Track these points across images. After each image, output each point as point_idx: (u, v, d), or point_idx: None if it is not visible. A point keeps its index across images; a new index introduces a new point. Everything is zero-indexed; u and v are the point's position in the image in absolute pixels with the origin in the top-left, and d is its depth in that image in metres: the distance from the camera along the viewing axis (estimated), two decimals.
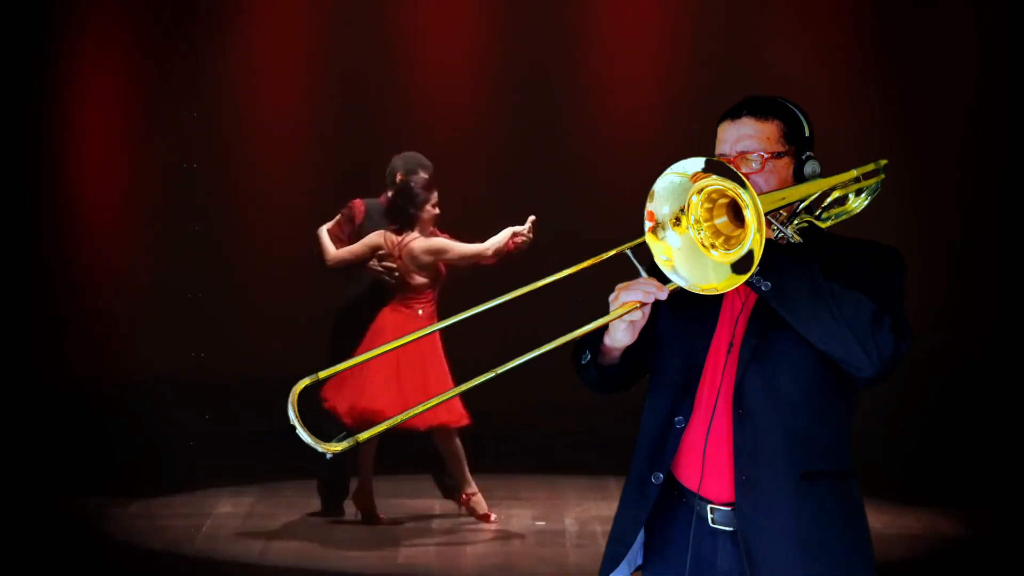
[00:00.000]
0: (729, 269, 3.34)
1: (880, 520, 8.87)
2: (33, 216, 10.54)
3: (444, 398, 3.63)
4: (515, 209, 10.60)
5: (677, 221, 3.40)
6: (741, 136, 3.55)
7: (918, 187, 10.41)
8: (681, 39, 10.83)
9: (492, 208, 10.68)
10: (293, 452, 10.04)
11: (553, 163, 10.75)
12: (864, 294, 3.42)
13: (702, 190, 3.36)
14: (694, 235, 3.39)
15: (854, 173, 3.70)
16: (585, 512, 9.18)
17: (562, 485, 9.83)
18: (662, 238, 3.41)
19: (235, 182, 10.89)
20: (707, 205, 3.38)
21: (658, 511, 3.60)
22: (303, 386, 3.38)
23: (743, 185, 3.29)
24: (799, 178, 3.58)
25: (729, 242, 3.36)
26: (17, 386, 10.12)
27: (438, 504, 9.31)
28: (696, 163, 3.37)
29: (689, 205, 3.38)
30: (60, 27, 10.48)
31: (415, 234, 8.68)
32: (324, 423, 8.28)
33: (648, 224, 3.42)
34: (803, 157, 3.57)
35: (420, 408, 3.51)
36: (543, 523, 8.97)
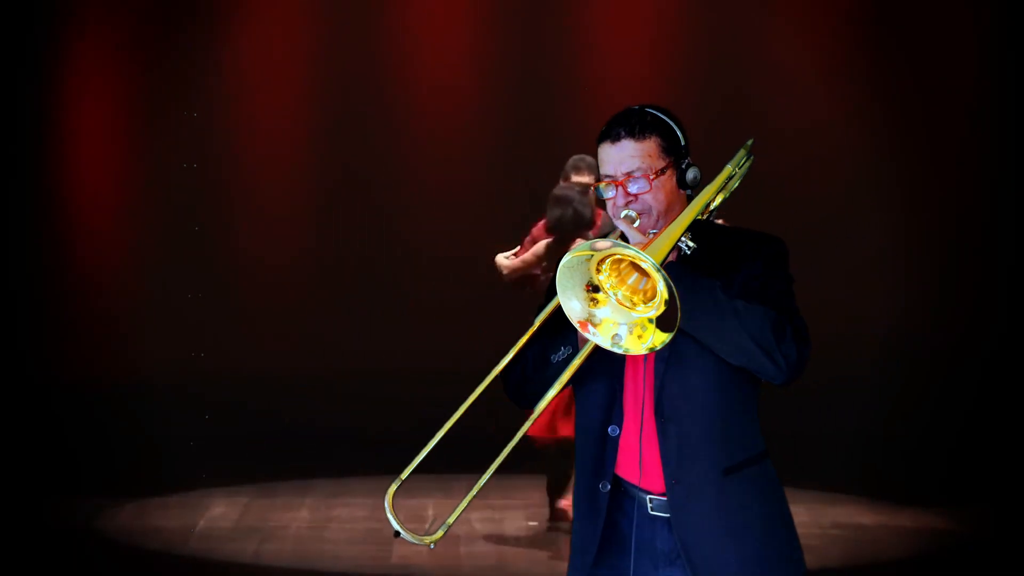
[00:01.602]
0: (655, 325, 3.46)
1: (880, 519, 8.88)
2: (33, 217, 10.54)
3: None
4: (509, 208, 10.62)
5: (594, 301, 3.50)
6: (623, 158, 3.66)
7: (918, 187, 10.41)
8: (675, 37, 10.83)
9: (487, 207, 10.69)
10: (291, 452, 10.06)
11: (548, 162, 10.73)
12: (762, 297, 3.58)
13: (601, 261, 3.46)
14: (615, 299, 3.50)
15: (729, 169, 3.79)
16: None
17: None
18: (598, 323, 3.51)
19: (235, 182, 10.89)
20: (613, 271, 3.49)
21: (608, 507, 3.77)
22: (393, 490, 3.72)
23: (625, 245, 3.41)
24: (683, 185, 3.70)
25: (646, 295, 3.48)
26: (16, 386, 10.12)
27: (431, 503, 9.31)
28: (574, 254, 3.45)
29: (598, 281, 3.49)
30: (59, 27, 10.48)
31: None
32: None
33: (586, 331, 3.51)
34: (683, 166, 3.70)
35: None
36: (536, 523, 8.98)
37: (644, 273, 3.46)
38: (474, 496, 3.75)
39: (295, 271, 10.60)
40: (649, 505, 3.70)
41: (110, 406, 10.18)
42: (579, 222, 8.39)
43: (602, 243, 3.44)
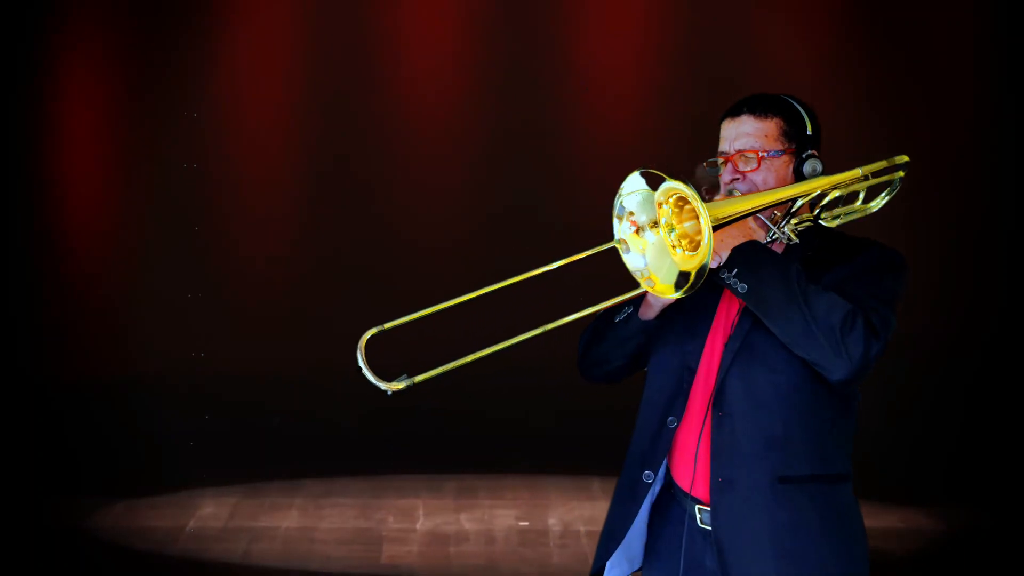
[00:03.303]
0: (676, 276, 3.41)
1: (879, 519, 8.86)
2: (32, 216, 10.51)
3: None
4: (498, 205, 10.63)
5: (654, 224, 3.44)
6: (740, 134, 3.57)
7: (916, 185, 10.39)
8: (666, 34, 10.82)
9: (476, 205, 10.69)
10: (288, 451, 10.05)
11: (536, 159, 10.75)
12: (846, 295, 3.43)
13: (669, 196, 3.40)
14: (664, 236, 3.42)
15: (858, 172, 3.68)
16: (569, 512, 9.17)
17: (546, 485, 9.83)
18: (642, 236, 3.45)
19: (235, 182, 10.85)
20: (676, 210, 3.41)
21: (658, 511, 3.64)
22: (370, 335, 3.60)
23: (691, 189, 3.34)
24: (799, 177, 3.58)
25: (692, 244, 3.39)
26: (15, 386, 10.10)
27: (421, 503, 9.32)
28: (639, 177, 3.44)
29: (660, 211, 3.42)
30: (58, 27, 10.45)
31: None
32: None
33: (631, 228, 3.46)
34: (803, 156, 3.57)
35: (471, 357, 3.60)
36: (527, 523, 8.97)
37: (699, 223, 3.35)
38: (455, 367, 3.58)
39: (296, 272, 10.60)
40: (699, 517, 3.55)
41: (109, 405, 10.16)
42: None
43: (674, 182, 3.36)
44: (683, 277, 3.38)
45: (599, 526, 9.12)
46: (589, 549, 8.39)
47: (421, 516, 9.12)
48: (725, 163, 3.58)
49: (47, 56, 10.45)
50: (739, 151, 3.56)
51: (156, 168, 10.66)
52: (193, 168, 10.65)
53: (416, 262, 10.70)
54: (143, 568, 8.17)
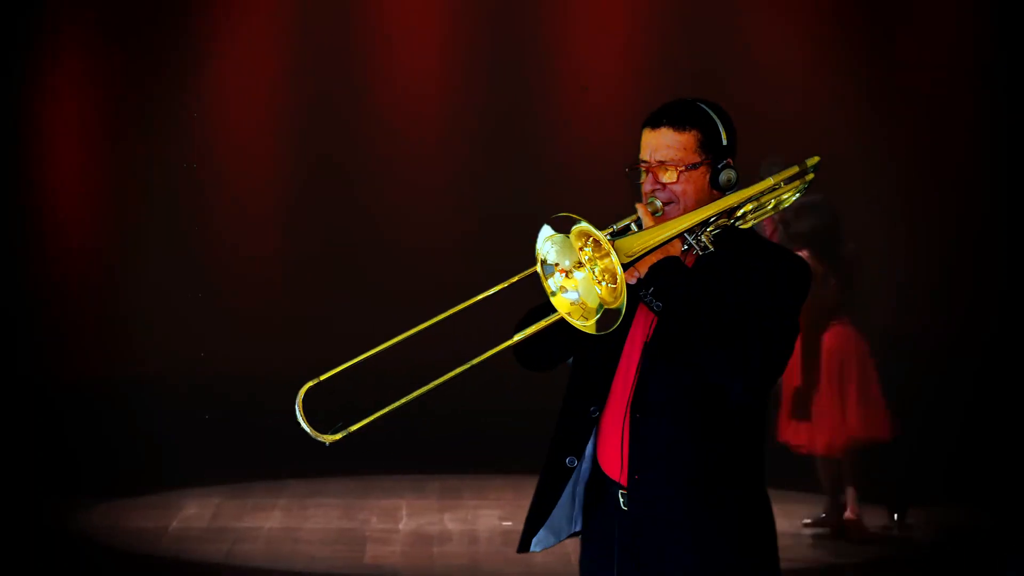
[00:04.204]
0: (597, 308, 3.54)
1: (878, 519, 8.88)
2: (32, 217, 10.52)
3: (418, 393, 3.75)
4: (484, 207, 10.64)
5: (579, 264, 3.57)
6: (659, 146, 3.69)
7: (916, 185, 10.41)
8: (651, 36, 10.83)
9: (461, 207, 10.70)
10: (284, 452, 10.01)
11: (523, 161, 10.76)
12: (752, 316, 3.55)
13: (586, 239, 3.54)
14: (588, 272, 3.56)
15: (770, 182, 3.78)
16: None
17: (529, 485, 9.78)
18: (571, 277, 3.58)
19: (235, 183, 10.86)
20: (594, 246, 3.55)
21: (591, 494, 3.80)
22: (307, 388, 3.67)
23: (603, 235, 3.49)
24: (715, 186, 3.70)
25: (614, 277, 3.51)
26: (15, 386, 10.10)
27: (405, 503, 9.33)
28: (546, 228, 3.58)
29: (579, 253, 3.56)
30: (54, 26, 10.46)
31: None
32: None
33: (561, 276, 3.58)
34: (719, 166, 3.69)
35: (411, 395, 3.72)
36: (510, 523, 8.99)
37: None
38: (392, 409, 3.69)
39: (296, 272, 10.61)
40: (621, 500, 3.69)
41: (109, 405, 10.19)
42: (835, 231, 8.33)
43: (583, 223, 3.49)
44: (600, 312, 3.53)
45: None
46: (572, 549, 8.32)
47: (404, 516, 9.13)
48: (646, 172, 3.72)
49: (45, 57, 10.46)
50: (659, 162, 3.69)
51: (156, 168, 10.67)
52: (193, 168, 10.66)
53: (414, 262, 10.69)
54: (127, 569, 8.17)
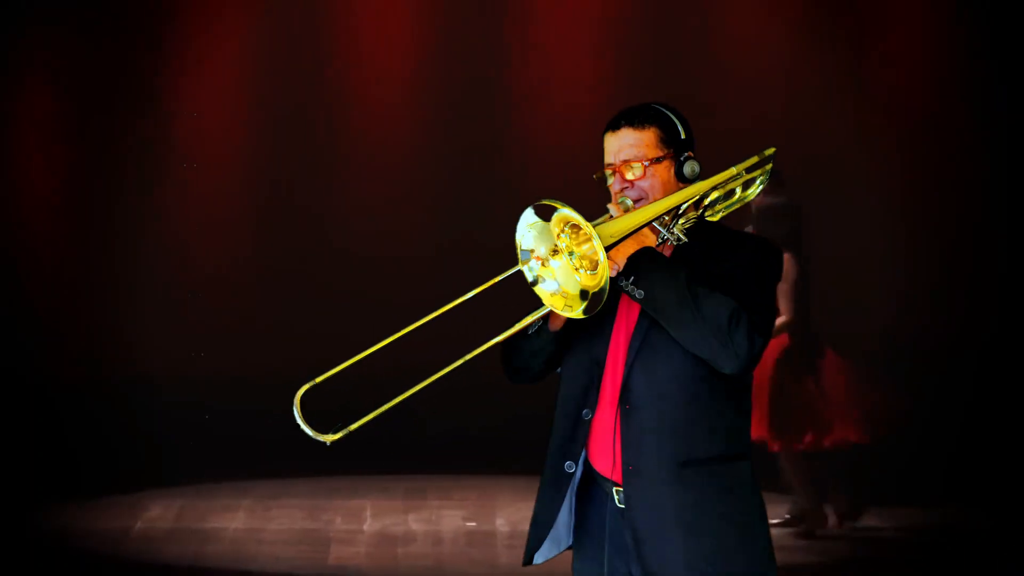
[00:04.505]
0: (579, 294, 3.66)
1: (878, 519, 8.92)
2: (31, 216, 10.49)
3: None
4: (450, 217, 10.65)
5: (555, 251, 3.69)
6: (622, 146, 3.87)
7: (915, 185, 10.43)
8: (617, 45, 10.84)
9: (428, 216, 10.71)
10: (280, 450, 9.97)
11: (490, 171, 10.77)
12: (730, 293, 3.68)
13: (563, 225, 3.65)
14: (566, 260, 3.68)
15: (733, 171, 3.94)
16: (516, 513, 9.20)
17: (493, 486, 9.86)
18: (548, 266, 3.70)
19: (234, 183, 10.83)
20: (572, 234, 3.67)
21: (581, 496, 3.88)
22: (304, 390, 3.77)
23: (583, 218, 3.58)
24: (680, 177, 3.86)
25: (592, 263, 3.65)
26: (15, 386, 10.09)
27: (369, 504, 9.33)
28: (531, 212, 3.67)
29: (558, 239, 3.68)
30: (58, 27, 10.45)
31: None
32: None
33: (537, 264, 3.69)
34: (681, 159, 3.86)
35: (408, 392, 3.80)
36: (474, 524, 9.00)
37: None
38: (391, 406, 3.77)
39: (296, 272, 10.61)
40: (616, 498, 3.79)
41: (109, 405, 10.19)
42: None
43: (565, 209, 3.59)
44: (583, 294, 3.64)
45: None
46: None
47: (369, 517, 9.14)
48: (613, 173, 3.87)
49: (51, 59, 10.44)
50: (624, 161, 3.85)
51: (157, 168, 10.66)
52: (193, 168, 10.65)
53: (407, 269, 10.68)
54: (91, 571, 8.14)
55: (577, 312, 3.62)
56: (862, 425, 8.59)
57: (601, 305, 3.58)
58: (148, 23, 10.57)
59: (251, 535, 8.75)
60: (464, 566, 8.17)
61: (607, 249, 3.58)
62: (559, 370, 3.95)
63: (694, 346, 3.66)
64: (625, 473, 3.74)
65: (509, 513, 9.23)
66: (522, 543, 8.66)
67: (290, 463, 9.90)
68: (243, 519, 9.09)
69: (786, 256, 8.17)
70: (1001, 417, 10.01)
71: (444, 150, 10.89)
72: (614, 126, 3.89)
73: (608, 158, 3.88)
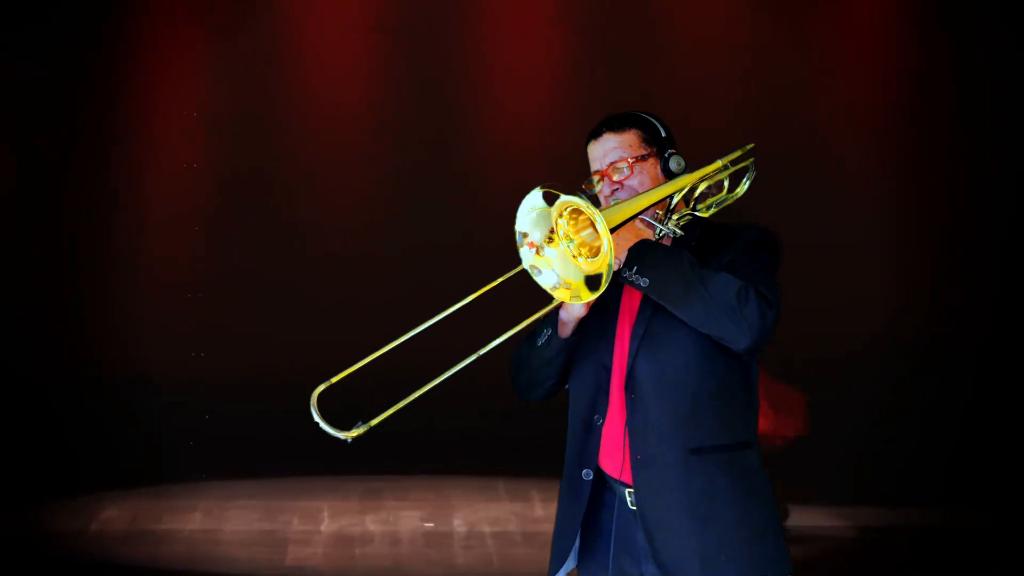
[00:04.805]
0: (583, 280, 3.65)
1: (878, 519, 9.00)
2: (31, 216, 10.45)
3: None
4: (406, 217, 10.63)
5: (550, 239, 3.69)
6: (607, 151, 3.92)
7: (912, 185, 10.45)
8: (572, 45, 10.84)
9: (382, 217, 10.70)
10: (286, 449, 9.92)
11: (444, 171, 10.76)
12: (735, 273, 3.71)
13: (563, 210, 3.66)
14: (564, 248, 3.68)
15: (719, 163, 3.98)
16: (474, 514, 9.23)
17: (450, 486, 9.86)
18: (543, 255, 3.70)
19: (234, 183, 10.78)
20: (571, 221, 3.68)
21: (593, 501, 3.88)
22: (320, 391, 3.76)
23: (585, 199, 3.58)
24: (668, 174, 3.91)
25: (592, 250, 3.66)
26: (14, 386, 10.06)
27: (326, 505, 9.31)
28: (537, 194, 3.67)
29: (556, 224, 3.68)
30: (59, 28, 10.42)
31: None
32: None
33: (532, 251, 3.69)
34: (666, 155, 3.92)
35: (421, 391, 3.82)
36: (431, 524, 9.00)
37: (596, 230, 3.61)
38: (408, 402, 3.79)
39: (296, 272, 10.58)
40: (629, 499, 3.80)
41: (108, 405, 10.15)
42: None
43: (567, 196, 3.60)
44: (592, 279, 3.63)
45: (503, 527, 9.18)
46: (494, 550, 8.41)
47: (326, 518, 9.12)
48: (601, 178, 3.92)
49: (52, 59, 10.39)
50: (611, 164, 3.89)
51: (157, 168, 10.61)
52: (193, 168, 10.62)
53: (401, 269, 10.67)
54: (46, 573, 8.11)
55: (587, 297, 3.62)
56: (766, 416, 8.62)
57: (606, 284, 3.56)
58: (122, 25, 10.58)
59: (208, 536, 8.73)
60: (422, 566, 8.18)
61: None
62: (567, 386, 3.97)
63: (705, 326, 3.67)
64: (633, 463, 3.75)
65: (466, 514, 9.24)
66: (479, 544, 8.70)
67: (243, 463, 9.88)
68: (199, 520, 9.07)
69: None
70: (1001, 417, 10.04)
71: (404, 150, 10.90)
72: (595, 134, 3.94)
73: (594, 165, 3.93)
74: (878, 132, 10.50)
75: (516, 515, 9.16)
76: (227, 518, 9.14)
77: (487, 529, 8.84)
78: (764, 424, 8.53)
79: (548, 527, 8.81)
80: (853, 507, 9.30)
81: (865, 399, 10.06)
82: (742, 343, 3.68)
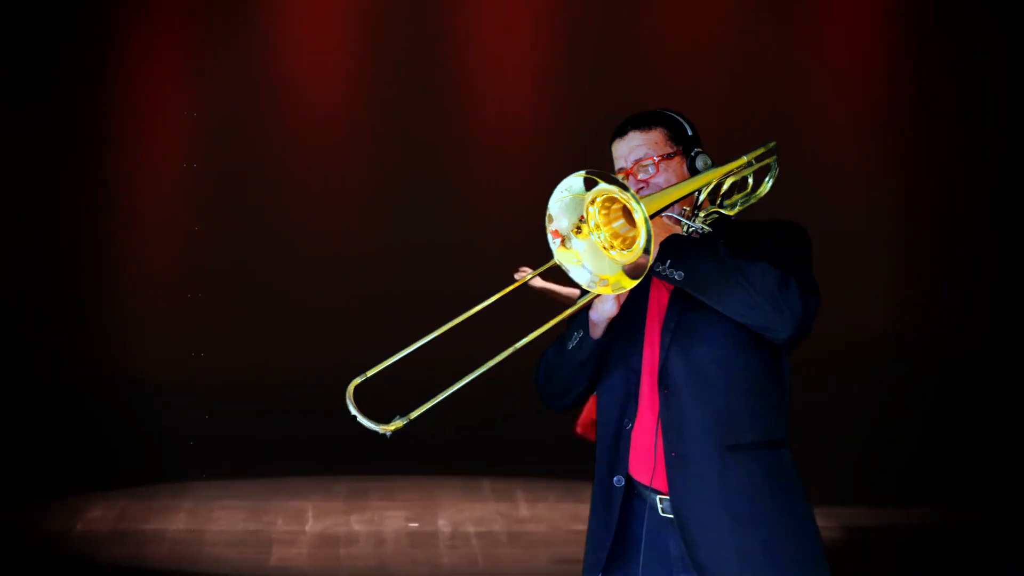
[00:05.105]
0: (623, 271, 3.55)
1: (879, 519, 8.99)
2: (31, 216, 10.42)
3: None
4: (407, 217, 10.62)
5: (578, 229, 3.60)
6: (632, 148, 3.84)
7: (912, 184, 10.46)
8: (556, 46, 10.85)
9: (383, 217, 10.69)
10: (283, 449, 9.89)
11: (428, 172, 10.75)
12: (769, 265, 3.62)
13: (595, 199, 3.56)
14: (595, 239, 3.59)
15: (743, 159, 3.93)
16: (459, 514, 9.22)
17: (435, 486, 9.86)
18: (569, 247, 3.61)
19: (234, 183, 10.77)
20: (603, 211, 3.58)
21: (623, 509, 3.78)
22: (356, 384, 3.63)
23: (624, 188, 3.48)
24: (694, 173, 3.84)
25: (626, 242, 3.56)
26: (14, 385, 10.02)
27: (311, 505, 9.30)
28: (577, 178, 3.56)
29: (587, 213, 3.58)
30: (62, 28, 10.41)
31: None
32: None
33: (556, 241, 3.60)
34: (692, 154, 3.85)
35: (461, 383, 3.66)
36: (416, 524, 9.00)
37: (631, 221, 3.53)
38: (448, 394, 3.63)
39: (296, 271, 10.58)
40: (660, 507, 3.72)
41: (108, 404, 10.16)
42: None
43: (607, 184, 3.50)
44: (633, 268, 3.53)
45: (488, 527, 9.16)
46: (479, 550, 8.42)
47: (311, 518, 9.12)
48: (626, 176, 3.83)
49: (54, 60, 10.39)
50: (636, 161, 3.82)
51: (157, 167, 10.62)
52: (194, 168, 10.61)
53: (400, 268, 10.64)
54: (32, 573, 8.09)
55: (629, 285, 3.52)
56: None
57: (645, 272, 3.48)
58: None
59: (193, 536, 8.71)
60: (407, 566, 8.16)
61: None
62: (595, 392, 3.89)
63: (746, 316, 3.60)
64: (668, 461, 3.67)
65: (451, 513, 9.23)
66: (464, 544, 8.67)
67: (228, 463, 9.88)
68: (184, 520, 9.05)
69: None
70: (1001, 417, 10.07)
71: (404, 150, 10.88)
72: (621, 132, 3.87)
73: (619, 163, 3.86)
74: (878, 132, 10.52)
75: (501, 515, 9.16)
76: (212, 518, 9.14)
77: (472, 529, 8.83)
78: None
79: (533, 527, 8.82)
80: (853, 507, 9.28)
81: (865, 399, 10.08)
82: (784, 332, 3.60)
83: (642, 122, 3.85)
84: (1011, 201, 10.40)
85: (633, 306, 3.80)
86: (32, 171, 10.45)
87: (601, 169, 3.57)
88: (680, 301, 3.72)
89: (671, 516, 3.70)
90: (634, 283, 3.50)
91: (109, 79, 10.55)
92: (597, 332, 3.74)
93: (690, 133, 3.87)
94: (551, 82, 10.75)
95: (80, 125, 10.50)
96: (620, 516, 3.76)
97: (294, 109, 10.83)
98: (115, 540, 8.59)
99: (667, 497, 3.70)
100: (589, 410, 8.44)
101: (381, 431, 3.58)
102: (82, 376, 10.29)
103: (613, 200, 3.54)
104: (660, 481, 3.71)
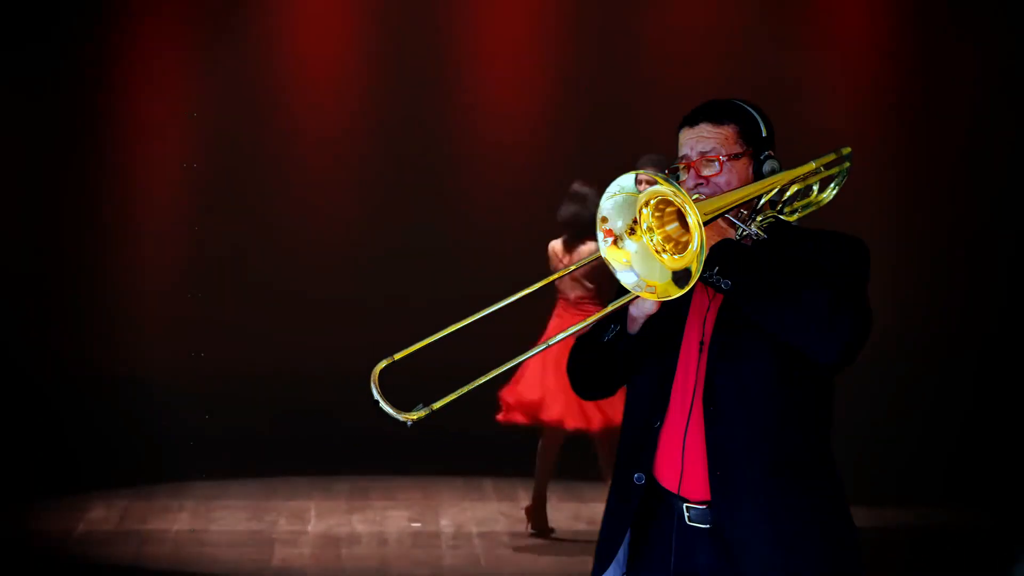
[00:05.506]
0: (671, 280, 3.48)
1: (879, 519, 8.92)
2: (31, 216, 10.40)
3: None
4: (408, 218, 10.61)
5: (632, 231, 3.52)
6: (699, 140, 3.65)
7: (913, 183, 10.45)
8: (557, 46, 10.84)
9: (383, 217, 10.68)
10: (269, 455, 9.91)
11: (429, 172, 10.74)
12: (823, 276, 3.52)
13: (649, 201, 3.48)
14: (647, 242, 3.51)
15: (812, 165, 3.78)
16: (461, 514, 9.18)
17: (438, 486, 9.82)
18: (620, 247, 3.54)
19: (234, 183, 10.76)
20: (656, 213, 3.50)
21: (641, 514, 3.69)
22: (381, 367, 3.58)
23: (678, 190, 3.40)
24: (759, 177, 3.67)
25: (678, 246, 3.48)
26: (14, 385, 10.01)
27: (313, 505, 9.29)
28: (630, 177, 3.50)
29: (639, 216, 3.50)
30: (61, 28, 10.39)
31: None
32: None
33: (608, 240, 3.53)
34: (761, 157, 3.67)
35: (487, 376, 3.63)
36: (419, 524, 8.98)
37: (685, 225, 3.44)
38: (473, 387, 3.61)
39: (296, 271, 10.56)
40: (687, 515, 3.63)
41: (108, 404, 10.12)
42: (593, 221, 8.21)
43: (664, 185, 3.42)
44: (680, 275, 3.46)
45: (491, 527, 9.18)
46: (481, 550, 8.40)
47: (313, 518, 9.09)
48: (687, 168, 3.68)
49: (54, 60, 10.38)
50: (701, 155, 3.65)
51: (157, 167, 10.61)
52: (194, 168, 10.60)
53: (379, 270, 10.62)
54: (33, 573, 8.07)
55: (676, 294, 3.44)
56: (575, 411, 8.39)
57: (694, 281, 3.40)
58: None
59: (194, 536, 8.68)
60: (409, 567, 8.14)
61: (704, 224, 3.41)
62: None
63: (790, 335, 3.48)
64: (713, 480, 3.56)
65: (453, 513, 9.20)
66: (467, 544, 8.67)
67: (231, 463, 9.86)
68: (186, 520, 9.02)
69: (561, 240, 8.24)
70: (1001, 417, 10.05)
71: (405, 150, 10.87)
72: (691, 121, 3.68)
73: (683, 150, 3.68)
74: (878, 132, 10.49)
75: (503, 515, 9.12)
76: (214, 518, 9.11)
77: (474, 529, 8.81)
78: None
79: None
80: (853, 507, 9.12)
81: (865, 399, 10.07)
82: (827, 356, 3.49)
83: (716, 114, 3.67)
84: (1011, 201, 10.39)
85: (673, 304, 3.65)
86: (32, 171, 10.44)
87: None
88: (730, 314, 3.60)
89: (701, 526, 3.61)
90: (681, 292, 3.43)
91: (109, 79, 10.55)
92: (635, 327, 3.64)
93: (764, 134, 3.68)
94: (552, 82, 10.73)
95: (80, 125, 10.49)
96: (641, 516, 3.67)
97: (294, 109, 10.82)
98: (115, 540, 8.56)
99: (695, 506, 3.60)
100: (507, 393, 8.42)
101: (403, 419, 3.52)
102: (82, 376, 10.28)
103: (667, 203, 3.45)
104: (688, 489, 3.61)
